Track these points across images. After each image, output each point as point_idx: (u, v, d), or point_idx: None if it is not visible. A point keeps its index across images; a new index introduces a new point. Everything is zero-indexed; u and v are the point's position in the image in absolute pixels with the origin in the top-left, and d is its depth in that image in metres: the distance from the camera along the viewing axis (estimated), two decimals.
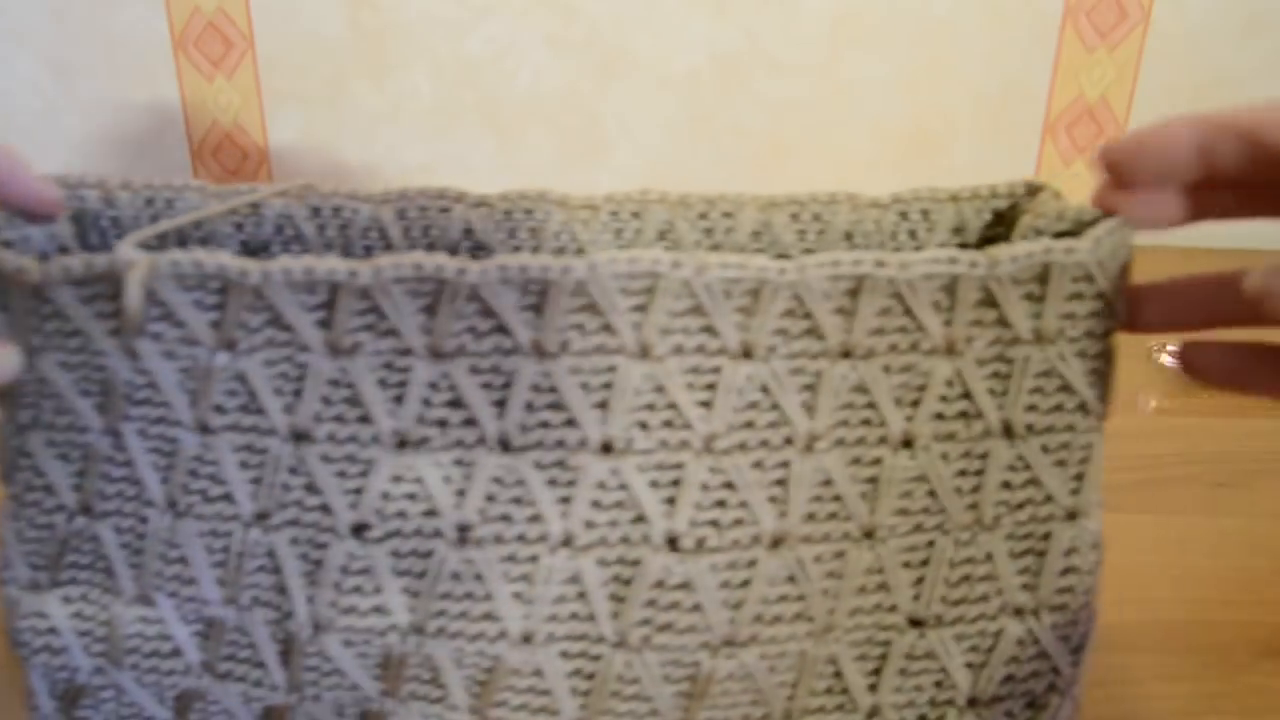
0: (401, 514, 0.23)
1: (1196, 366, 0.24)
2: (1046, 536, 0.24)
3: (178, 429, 0.23)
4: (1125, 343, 0.27)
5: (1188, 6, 0.54)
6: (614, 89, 0.61)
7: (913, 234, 0.28)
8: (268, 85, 0.61)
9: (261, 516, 0.24)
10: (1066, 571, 0.24)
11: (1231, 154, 0.21)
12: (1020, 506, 0.24)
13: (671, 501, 0.23)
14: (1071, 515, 0.24)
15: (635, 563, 0.23)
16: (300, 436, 0.23)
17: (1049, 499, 0.24)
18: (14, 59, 0.60)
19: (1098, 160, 0.23)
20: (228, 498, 0.24)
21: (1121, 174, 0.23)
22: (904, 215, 0.27)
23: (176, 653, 0.25)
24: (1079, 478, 0.24)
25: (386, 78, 0.61)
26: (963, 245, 0.28)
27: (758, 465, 0.23)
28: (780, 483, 0.23)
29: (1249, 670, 0.30)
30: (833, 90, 0.59)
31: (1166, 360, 0.45)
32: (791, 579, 0.24)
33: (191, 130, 0.62)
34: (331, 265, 0.22)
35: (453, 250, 0.28)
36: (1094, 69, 0.55)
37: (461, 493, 0.23)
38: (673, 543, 0.23)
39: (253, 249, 0.28)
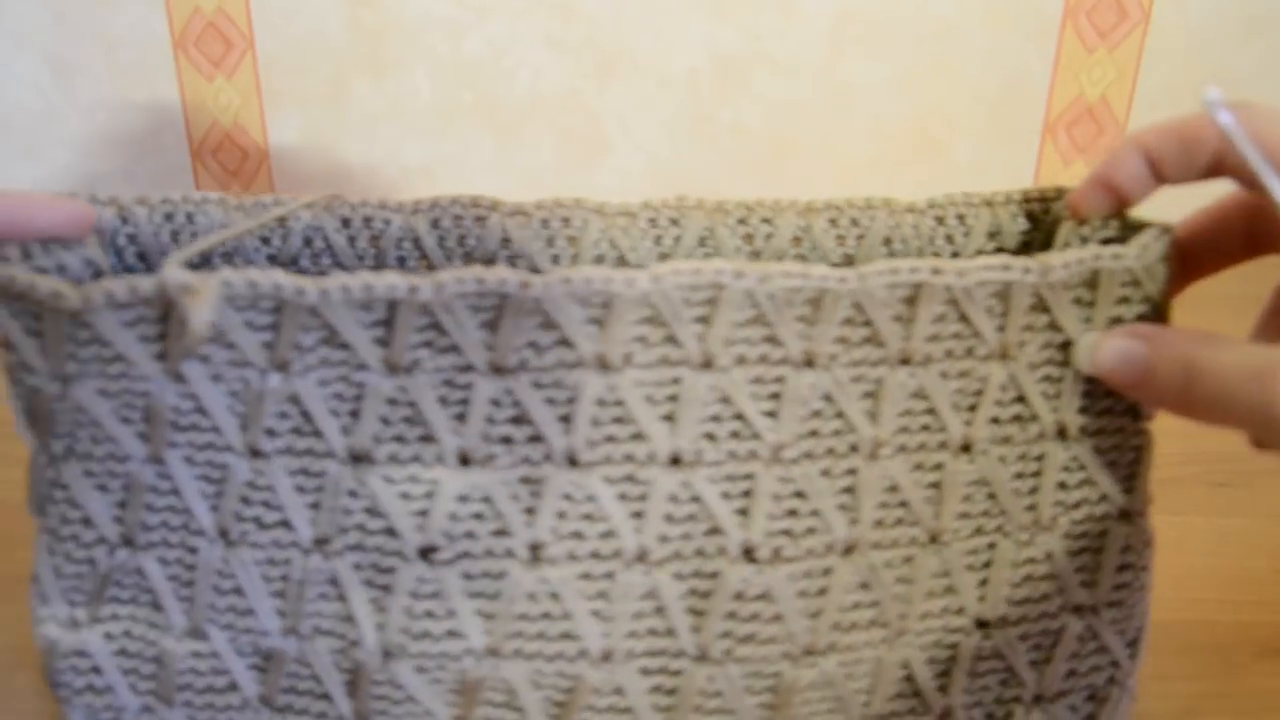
0: (470, 534, 0.23)
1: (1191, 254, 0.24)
2: (1103, 535, 0.24)
3: (227, 454, 0.23)
4: None
5: (1188, 6, 0.54)
6: (614, 89, 0.60)
7: (950, 239, 0.28)
8: (268, 85, 0.59)
9: (321, 542, 0.23)
10: (1123, 568, 0.24)
11: (1175, 160, 0.23)
12: (1076, 506, 0.24)
13: (744, 512, 0.23)
14: (1125, 513, 0.24)
15: (713, 575, 0.23)
16: (359, 458, 0.23)
17: (1104, 498, 0.24)
18: (14, 59, 0.59)
19: (1071, 213, 0.25)
20: (285, 524, 0.23)
21: (1093, 214, 0.25)
22: (941, 220, 0.28)
23: (233, 687, 0.24)
24: (1131, 477, 0.24)
25: (386, 78, 0.60)
26: (999, 249, 0.28)
27: (826, 473, 0.23)
28: (849, 490, 0.23)
29: (1249, 670, 0.30)
30: (833, 90, 0.59)
31: None
32: (865, 585, 0.24)
33: (191, 130, 0.61)
34: (391, 281, 0.21)
35: (489, 260, 0.28)
36: (1094, 69, 0.55)
37: (531, 510, 0.23)
38: (749, 553, 0.23)
39: (280, 263, 0.27)
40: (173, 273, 0.20)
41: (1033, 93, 0.57)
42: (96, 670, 0.24)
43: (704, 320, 0.22)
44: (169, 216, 0.25)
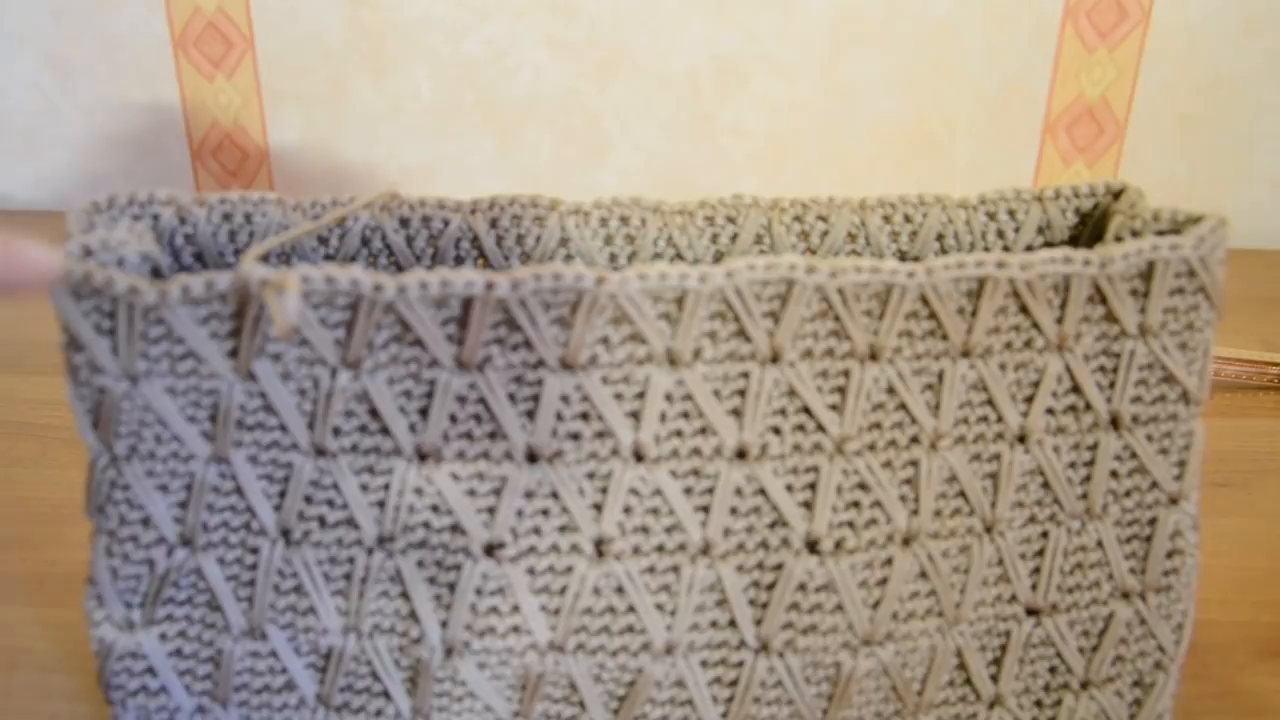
0: (536, 530, 0.23)
1: None
2: (1152, 522, 0.25)
3: (292, 453, 0.22)
4: None
5: (1188, 6, 0.55)
6: (614, 89, 0.60)
7: (1000, 234, 0.28)
8: (268, 85, 0.58)
9: (385, 540, 0.23)
10: (1171, 554, 0.25)
11: None
12: (1127, 494, 0.25)
13: (808, 505, 0.23)
14: (1174, 500, 0.25)
15: (776, 567, 0.23)
16: (426, 456, 0.22)
17: (1154, 485, 0.25)
18: (14, 59, 0.58)
19: None
20: (348, 523, 0.23)
21: None
22: (992, 215, 0.28)
23: (290, 686, 0.24)
24: (1181, 464, 0.25)
25: (386, 78, 0.59)
26: (1046, 244, 0.28)
27: (888, 465, 0.23)
28: (909, 481, 0.24)
29: (1249, 670, 0.30)
30: (833, 90, 0.60)
31: None
32: (923, 575, 0.24)
33: (191, 130, 0.60)
34: (468, 278, 0.21)
35: (547, 260, 0.28)
36: (1094, 69, 0.57)
37: (597, 507, 0.23)
38: (812, 545, 0.23)
39: (337, 263, 0.27)
40: (252, 268, 0.20)
41: (1033, 93, 0.58)
42: (151, 671, 0.23)
43: (774, 315, 0.22)
44: (227, 216, 0.25)
